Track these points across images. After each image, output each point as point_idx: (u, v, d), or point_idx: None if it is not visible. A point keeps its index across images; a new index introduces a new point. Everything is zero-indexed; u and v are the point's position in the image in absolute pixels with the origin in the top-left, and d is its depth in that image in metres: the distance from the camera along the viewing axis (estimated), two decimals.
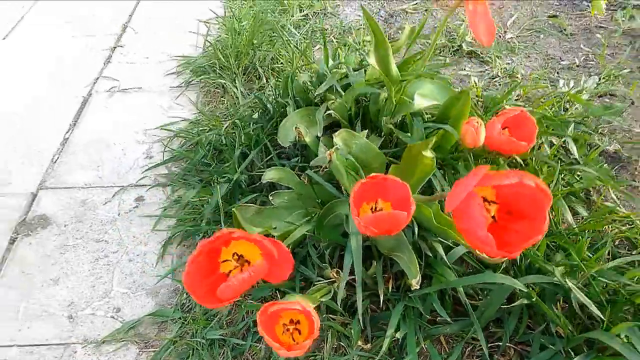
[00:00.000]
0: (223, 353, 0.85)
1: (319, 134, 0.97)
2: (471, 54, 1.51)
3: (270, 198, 0.96)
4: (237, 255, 0.64)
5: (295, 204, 0.95)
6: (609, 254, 0.90)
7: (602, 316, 0.66)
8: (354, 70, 1.06)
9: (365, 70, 1.05)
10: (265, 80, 1.43)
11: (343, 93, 1.01)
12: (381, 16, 1.80)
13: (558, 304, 0.77)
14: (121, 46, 1.72)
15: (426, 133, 0.87)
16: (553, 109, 1.18)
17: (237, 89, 1.39)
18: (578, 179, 0.98)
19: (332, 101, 0.98)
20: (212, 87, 1.47)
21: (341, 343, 0.83)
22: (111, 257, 1.05)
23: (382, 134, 0.96)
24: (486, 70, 1.45)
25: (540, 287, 0.75)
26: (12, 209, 1.16)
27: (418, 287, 0.70)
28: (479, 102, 1.23)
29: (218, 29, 1.74)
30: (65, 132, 1.36)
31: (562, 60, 1.51)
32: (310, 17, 1.79)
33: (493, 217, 0.57)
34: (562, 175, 0.96)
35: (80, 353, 0.89)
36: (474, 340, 0.80)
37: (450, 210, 0.54)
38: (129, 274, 1.01)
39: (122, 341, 0.90)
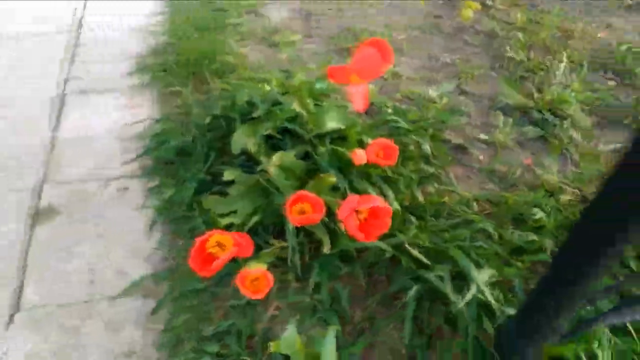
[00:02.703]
0: (205, 297, 1.32)
1: (260, 145, 1.41)
2: None
3: (229, 190, 1.40)
4: (218, 242, 1.10)
5: (246, 194, 1.40)
6: (448, 215, 1.42)
7: (427, 260, 1.19)
8: (282, 94, 1.48)
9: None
10: (211, 84, 1.81)
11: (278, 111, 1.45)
12: (301, 14, 2.19)
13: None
14: (82, 44, 2.00)
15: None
16: (423, 110, 1.67)
17: (189, 93, 1.76)
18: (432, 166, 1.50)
19: (269, 121, 1.42)
20: (167, 87, 1.83)
21: (283, 284, 1.32)
22: (113, 232, 1.46)
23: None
24: None
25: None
26: (26, 199, 1.51)
27: (329, 252, 1.20)
28: (372, 105, 1.71)
29: (163, 28, 2.05)
30: (52, 131, 1.69)
31: (439, 60, 2.00)
32: (244, 15, 2.14)
33: (365, 219, 1.06)
34: (420, 165, 1.48)
35: (103, 304, 1.32)
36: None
37: (341, 218, 1.02)
38: (128, 245, 1.43)
39: (132, 294, 1.34)
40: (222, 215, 1.30)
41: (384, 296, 1.26)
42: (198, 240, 1.06)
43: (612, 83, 1.87)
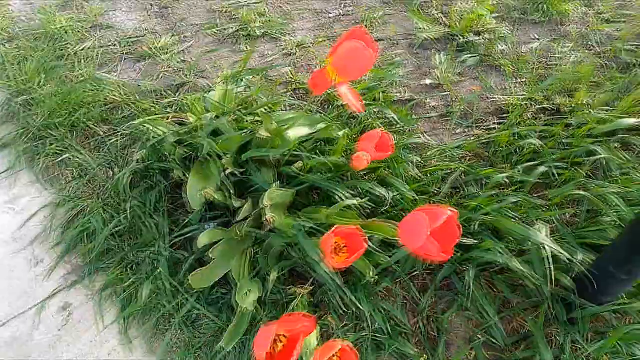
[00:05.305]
0: None
1: (229, 190, 1.16)
2: (263, 35, 1.71)
3: (210, 254, 1.14)
4: (278, 335, 0.88)
5: (231, 251, 1.15)
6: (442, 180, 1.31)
7: (473, 240, 1.09)
8: (215, 118, 1.21)
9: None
10: (101, 134, 1.44)
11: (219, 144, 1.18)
12: (155, 11, 1.82)
13: None
14: None
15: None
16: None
17: (81, 154, 1.38)
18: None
19: (219, 157, 1.15)
20: (46, 158, 1.42)
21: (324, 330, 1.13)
22: None
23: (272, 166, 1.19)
24: (281, 46, 1.68)
25: None
26: None
27: (376, 277, 1.03)
28: (299, 88, 1.50)
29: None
30: None
31: (330, 13, 1.81)
32: (89, 36, 1.72)
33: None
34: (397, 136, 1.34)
35: None
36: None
37: (413, 249, 0.85)
38: None
39: None
40: (240, 295, 1.05)
41: (432, 291, 1.14)
42: (257, 343, 0.83)
43: None
